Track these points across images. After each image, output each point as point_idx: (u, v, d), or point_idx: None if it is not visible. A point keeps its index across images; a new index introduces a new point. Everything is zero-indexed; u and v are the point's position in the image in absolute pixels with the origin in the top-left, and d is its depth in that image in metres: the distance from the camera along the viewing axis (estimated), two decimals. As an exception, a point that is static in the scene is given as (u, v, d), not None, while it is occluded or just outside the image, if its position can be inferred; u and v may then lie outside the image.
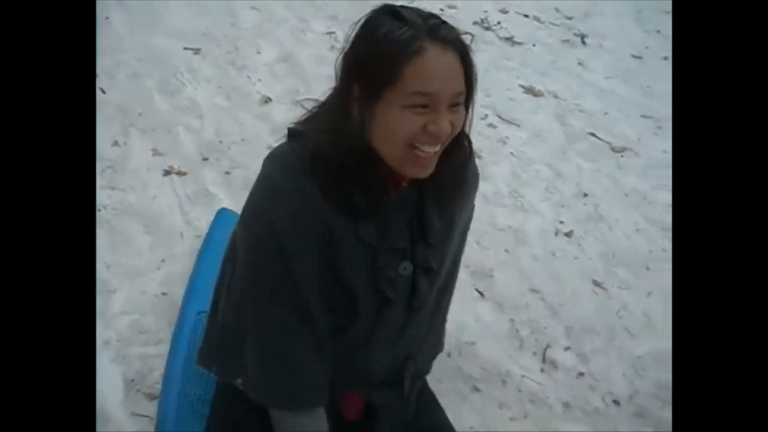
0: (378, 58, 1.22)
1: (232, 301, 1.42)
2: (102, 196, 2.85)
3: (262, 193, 1.34)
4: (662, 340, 2.67)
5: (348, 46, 1.29)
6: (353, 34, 1.28)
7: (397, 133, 1.23)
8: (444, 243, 1.46)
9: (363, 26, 1.28)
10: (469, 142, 1.39)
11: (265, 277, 1.33)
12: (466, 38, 1.27)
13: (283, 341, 1.35)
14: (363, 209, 1.30)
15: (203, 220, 2.74)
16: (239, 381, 1.45)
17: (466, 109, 1.30)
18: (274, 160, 1.34)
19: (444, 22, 1.25)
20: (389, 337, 1.46)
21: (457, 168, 1.40)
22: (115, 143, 3.22)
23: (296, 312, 1.34)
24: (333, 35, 4.60)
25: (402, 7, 1.26)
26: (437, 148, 1.26)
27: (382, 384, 1.53)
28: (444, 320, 1.66)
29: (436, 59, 1.21)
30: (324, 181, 1.27)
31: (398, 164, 1.28)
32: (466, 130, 1.34)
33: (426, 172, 1.29)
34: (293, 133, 1.36)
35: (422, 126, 1.22)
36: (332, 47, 4.46)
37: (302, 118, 1.38)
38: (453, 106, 1.25)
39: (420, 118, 1.22)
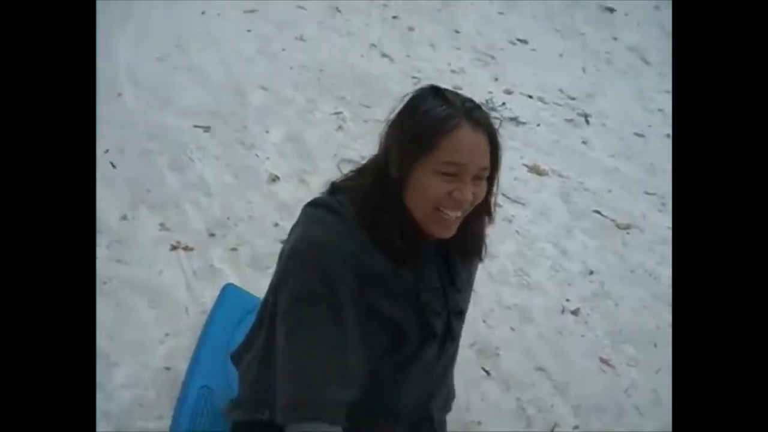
0: (419, 129, 1.41)
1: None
2: (108, 269, 2.86)
3: (312, 234, 1.47)
4: (671, 418, 2.62)
5: (394, 117, 1.47)
6: (400, 107, 1.47)
7: (427, 194, 1.42)
8: (467, 292, 1.66)
9: (409, 101, 1.47)
10: (490, 215, 1.60)
11: (309, 307, 1.42)
12: (495, 122, 1.47)
13: (314, 355, 1.42)
14: (402, 253, 1.46)
15: (208, 296, 2.73)
16: (266, 412, 1.50)
17: (489, 184, 1.50)
18: (323, 207, 1.50)
19: (479, 107, 1.46)
20: (422, 372, 1.58)
21: (477, 235, 1.61)
22: (124, 217, 3.24)
23: (332, 332, 1.42)
24: (340, 115, 4.67)
25: (444, 89, 1.47)
26: (459, 214, 1.45)
27: (408, 422, 1.62)
28: (452, 375, 1.78)
29: (469, 136, 1.40)
30: (370, 225, 1.45)
31: (425, 223, 1.46)
32: (491, 203, 1.56)
33: (449, 233, 1.47)
34: (336, 188, 1.55)
35: (448, 192, 1.41)
36: (339, 127, 4.52)
37: (342, 178, 1.56)
38: (477, 179, 1.44)
39: (448, 185, 1.41)
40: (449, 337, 1.60)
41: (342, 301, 1.42)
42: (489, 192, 1.52)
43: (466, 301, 1.67)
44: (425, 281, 1.52)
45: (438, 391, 1.69)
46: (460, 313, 1.62)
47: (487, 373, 2.75)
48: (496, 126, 1.47)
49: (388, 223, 1.45)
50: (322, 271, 1.42)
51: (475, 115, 1.43)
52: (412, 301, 1.50)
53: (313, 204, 1.53)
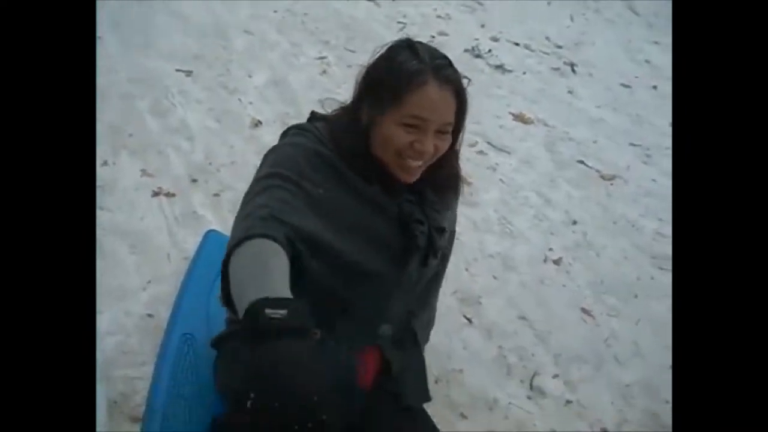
0: (389, 82, 1.48)
1: None
2: (90, 216, 2.83)
3: (287, 140, 1.59)
4: (651, 368, 2.66)
5: (369, 66, 1.55)
6: (375, 57, 1.54)
7: (390, 143, 1.49)
8: (443, 215, 1.69)
9: (385, 52, 1.53)
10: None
11: (272, 179, 1.49)
12: (465, 81, 1.53)
13: (269, 199, 1.45)
14: (373, 174, 1.55)
15: (191, 242, 2.72)
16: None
17: (454, 138, 1.57)
18: (300, 128, 1.62)
19: (449, 64, 1.51)
20: (407, 288, 1.63)
21: (448, 175, 1.68)
22: (105, 163, 3.21)
23: (291, 194, 1.47)
24: (324, 60, 4.62)
25: (420, 43, 1.53)
26: (420, 163, 1.52)
27: (393, 339, 1.65)
28: (435, 303, 1.86)
29: (434, 92, 1.47)
30: (341, 150, 1.55)
31: (389, 167, 1.54)
32: (458, 154, 1.65)
33: (411, 178, 1.55)
34: (316, 116, 1.67)
35: (410, 142, 1.48)
36: (323, 72, 4.48)
37: (325, 113, 1.66)
38: (440, 132, 1.51)
39: (410, 136, 1.48)
40: (431, 252, 1.65)
41: (308, 189, 1.49)
42: (453, 144, 1.59)
43: (447, 222, 1.72)
44: (400, 198, 1.61)
45: (420, 311, 1.74)
46: (442, 230, 1.67)
47: (469, 321, 2.77)
48: (465, 84, 1.53)
49: (362, 163, 1.55)
50: (291, 161, 1.51)
51: (443, 72, 1.48)
52: (392, 214, 1.59)
53: (291, 126, 1.65)
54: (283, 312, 1.13)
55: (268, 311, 1.13)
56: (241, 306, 1.18)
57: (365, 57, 1.56)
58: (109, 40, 4.33)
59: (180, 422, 1.85)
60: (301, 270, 1.43)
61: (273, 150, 1.60)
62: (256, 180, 1.53)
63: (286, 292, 1.22)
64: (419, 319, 1.73)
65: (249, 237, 1.33)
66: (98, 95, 3.63)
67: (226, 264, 1.34)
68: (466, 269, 3.03)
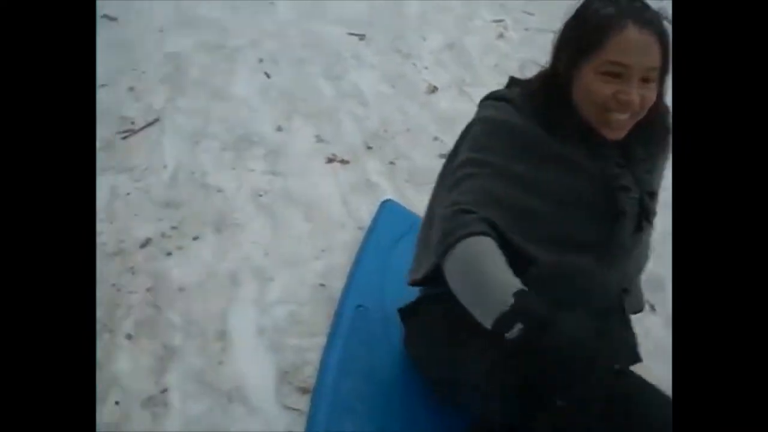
0: (585, 30, 1.45)
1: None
2: (263, 181, 2.84)
3: (481, 115, 1.60)
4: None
5: (565, 21, 1.51)
6: (574, 10, 1.50)
7: (592, 96, 1.45)
8: (654, 176, 1.63)
9: (579, 6, 1.50)
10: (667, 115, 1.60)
11: (468, 167, 1.53)
12: (666, 23, 1.45)
13: (467, 189, 1.50)
14: (576, 134, 1.50)
15: (364, 211, 2.67)
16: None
17: (660, 86, 1.49)
18: (493, 98, 1.62)
19: (648, 7, 1.45)
20: (617, 261, 1.56)
21: (654, 133, 1.59)
22: (279, 128, 3.22)
23: (487, 179, 1.50)
24: (502, 23, 4.47)
25: None
26: (626, 116, 1.45)
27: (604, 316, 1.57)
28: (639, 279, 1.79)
29: (635, 36, 1.41)
30: (539, 114, 1.53)
31: (593, 124, 1.48)
32: (662, 101, 1.55)
33: (617, 135, 1.49)
34: (512, 81, 1.66)
35: (613, 93, 1.43)
36: (500, 35, 4.34)
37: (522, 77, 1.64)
38: (645, 81, 1.44)
39: (612, 86, 1.42)
40: (645, 218, 1.58)
41: (502, 166, 1.50)
42: (660, 94, 1.51)
43: (657, 185, 1.64)
44: (607, 160, 1.53)
45: (631, 288, 1.67)
46: (653, 194, 1.60)
47: (653, 308, 2.54)
48: (667, 25, 1.45)
49: (563, 122, 1.50)
50: (482, 142, 1.53)
51: (643, 15, 1.43)
52: (599, 178, 1.52)
53: (487, 96, 1.64)
54: (518, 327, 1.24)
55: (506, 335, 1.25)
56: (480, 316, 1.33)
57: (544, 20, 1.55)
58: (281, 4, 4.37)
59: (351, 398, 1.82)
60: (514, 248, 1.45)
61: (467, 130, 1.61)
62: (452, 169, 1.57)
63: (510, 279, 1.32)
64: (630, 297, 1.67)
65: (457, 241, 1.41)
66: (271, 60, 3.70)
67: (439, 265, 1.46)
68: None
